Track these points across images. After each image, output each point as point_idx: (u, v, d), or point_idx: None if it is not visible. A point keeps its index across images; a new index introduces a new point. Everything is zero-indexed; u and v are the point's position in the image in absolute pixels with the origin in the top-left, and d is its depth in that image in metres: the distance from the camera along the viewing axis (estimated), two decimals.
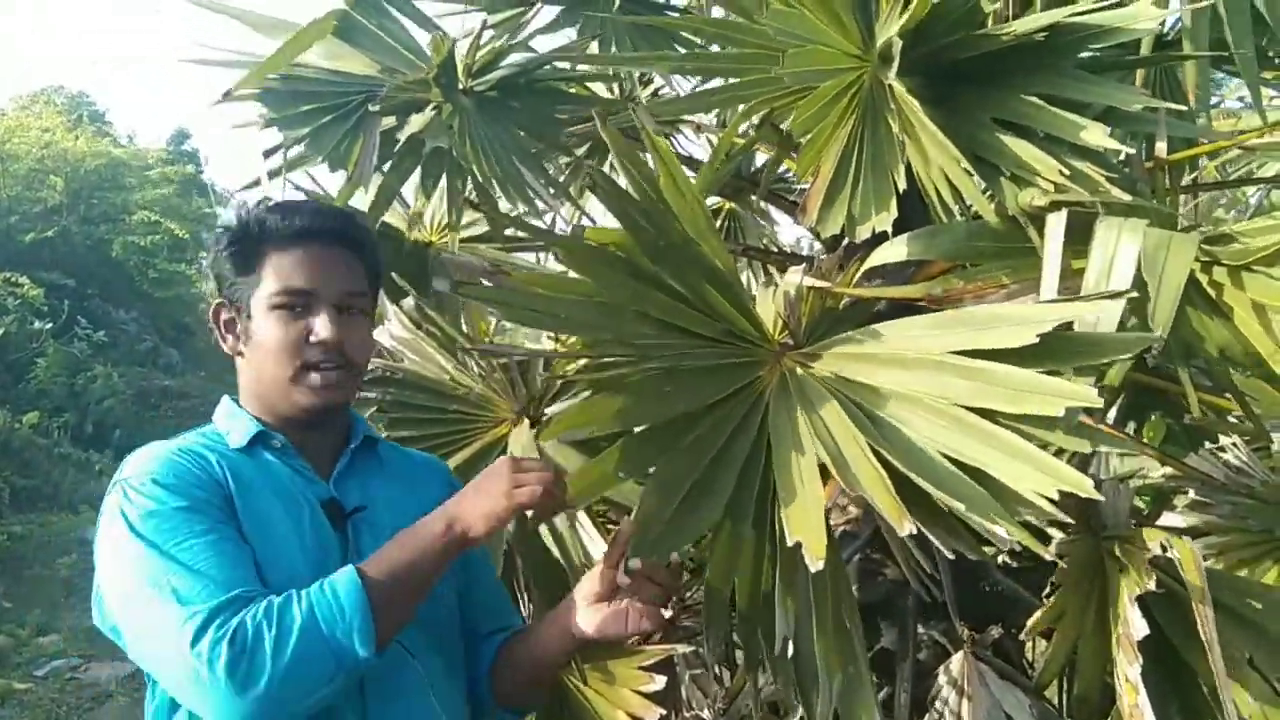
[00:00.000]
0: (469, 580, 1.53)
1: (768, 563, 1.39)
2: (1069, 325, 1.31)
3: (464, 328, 2.11)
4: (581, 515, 1.76)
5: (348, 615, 1.19)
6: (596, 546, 1.78)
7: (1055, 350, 1.28)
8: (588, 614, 1.41)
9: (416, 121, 2.10)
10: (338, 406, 1.40)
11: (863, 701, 1.39)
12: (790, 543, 1.23)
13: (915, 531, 1.17)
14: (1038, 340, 1.26)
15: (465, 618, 1.52)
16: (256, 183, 2.20)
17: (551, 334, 1.81)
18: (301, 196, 2.48)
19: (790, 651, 1.37)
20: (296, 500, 1.35)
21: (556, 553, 1.79)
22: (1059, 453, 1.27)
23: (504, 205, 2.27)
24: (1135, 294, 1.35)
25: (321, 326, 1.35)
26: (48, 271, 14.88)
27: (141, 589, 1.21)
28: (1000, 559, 1.94)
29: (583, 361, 1.58)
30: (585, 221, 2.57)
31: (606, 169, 2.55)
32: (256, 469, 1.35)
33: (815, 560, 1.19)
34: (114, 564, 1.26)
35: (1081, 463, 1.65)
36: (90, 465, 12.63)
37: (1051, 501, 1.19)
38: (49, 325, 14.07)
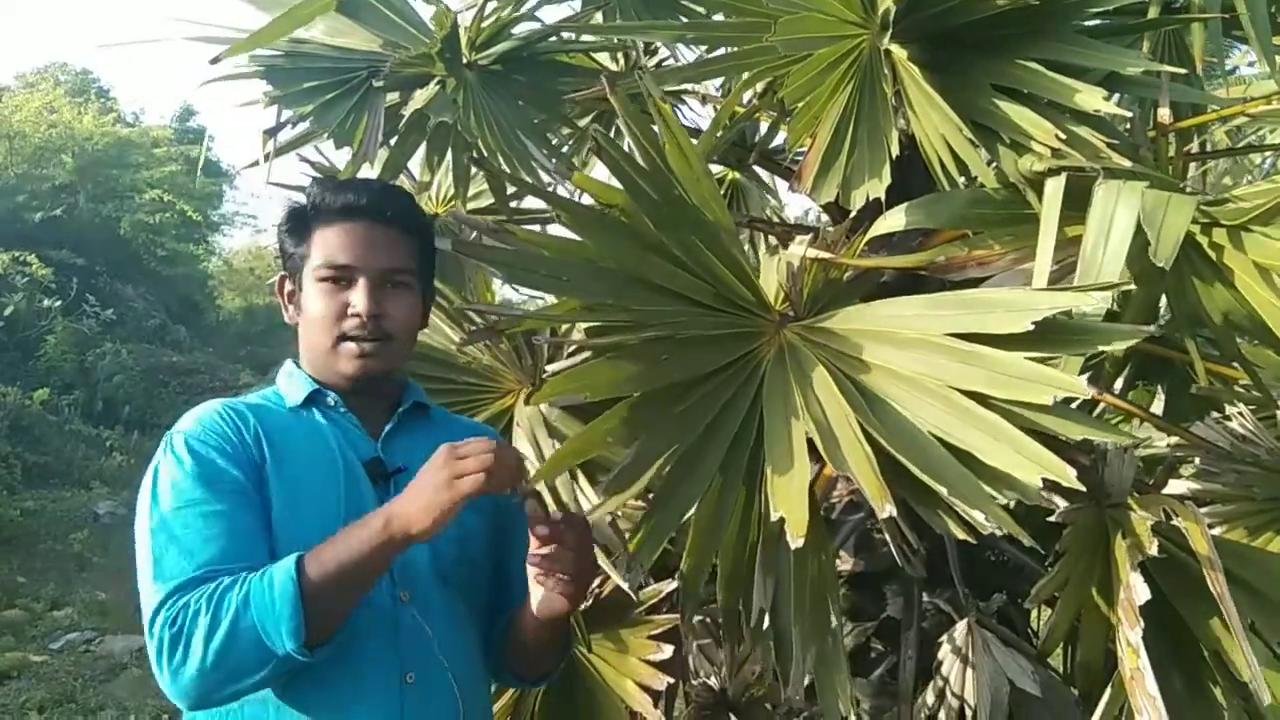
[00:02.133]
0: (505, 549, 1.53)
1: (751, 534, 1.40)
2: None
3: (468, 296, 2.11)
4: (582, 481, 1.77)
5: (278, 608, 1.20)
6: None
7: (1049, 336, 1.29)
8: (536, 592, 1.37)
9: (421, 96, 2.10)
10: (376, 375, 1.44)
11: (838, 675, 1.41)
12: (774, 517, 1.24)
13: (894, 514, 1.19)
14: (1032, 326, 1.27)
15: (498, 586, 1.53)
16: (257, 163, 2.20)
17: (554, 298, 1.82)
18: (309, 172, 2.49)
19: (767, 624, 1.39)
20: (335, 460, 1.40)
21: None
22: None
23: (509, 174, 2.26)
24: (1131, 286, 1.35)
25: (358, 300, 1.40)
26: (56, 249, 14.87)
27: (143, 554, 1.30)
28: (1001, 530, 1.95)
29: (584, 326, 1.58)
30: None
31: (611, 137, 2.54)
32: (303, 429, 1.42)
33: (796, 537, 1.20)
34: (137, 517, 1.34)
35: None
36: (100, 441, 12.68)
37: (1043, 483, 1.20)
38: (58, 303, 14.09)
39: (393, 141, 2.15)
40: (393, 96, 2.11)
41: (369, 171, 2.10)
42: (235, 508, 1.30)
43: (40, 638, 7.27)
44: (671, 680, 1.93)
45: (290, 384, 1.47)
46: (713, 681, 2.09)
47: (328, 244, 1.42)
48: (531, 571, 1.35)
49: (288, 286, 1.49)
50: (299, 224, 1.46)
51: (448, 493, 1.22)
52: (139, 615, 1.34)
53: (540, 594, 1.36)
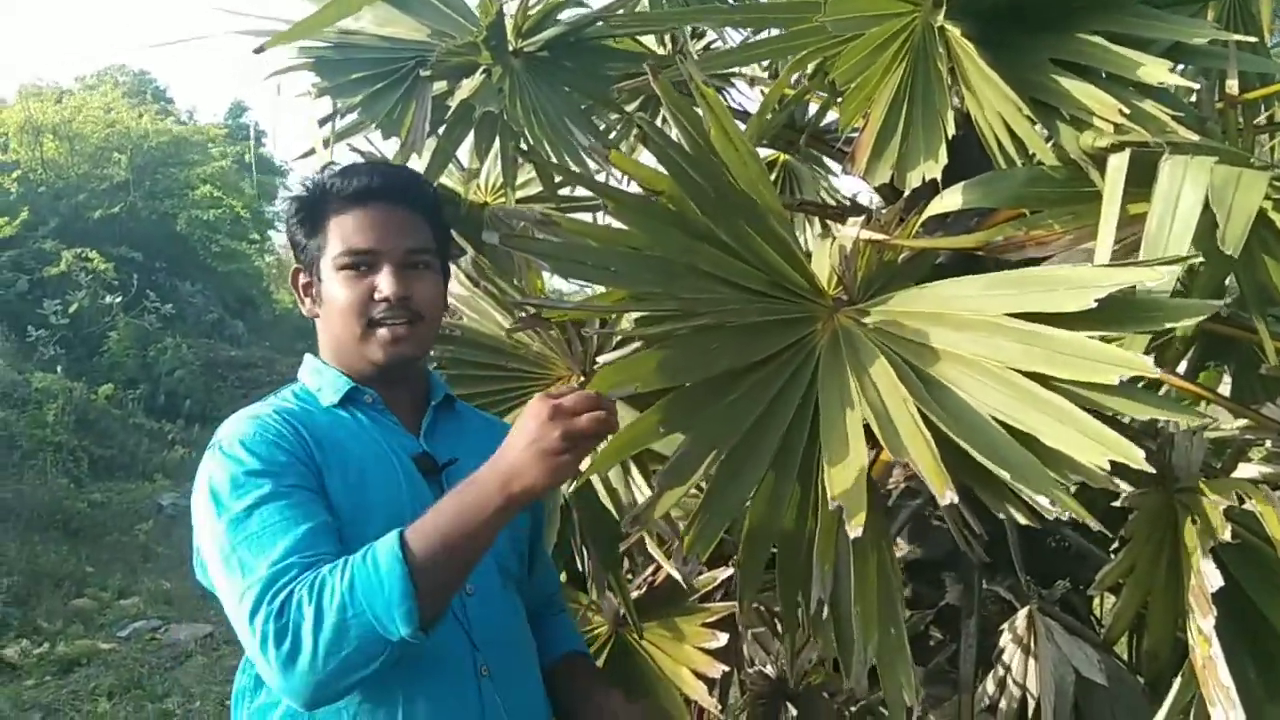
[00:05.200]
0: (533, 534, 1.56)
1: (809, 524, 1.37)
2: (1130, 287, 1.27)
3: (519, 284, 2.10)
4: (633, 468, 1.76)
5: (387, 591, 1.13)
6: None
7: (1114, 314, 1.25)
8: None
9: (467, 86, 2.09)
10: (410, 359, 1.41)
11: (901, 663, 1.38)
12: (831, 506, 1.21)
13: (955, 500, 1.16)
14: (1096, 304, 1.23)
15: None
16: (312, 151, 2.21)
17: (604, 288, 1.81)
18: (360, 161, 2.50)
19: (827, 613, 1.37)
20: (388, 455, 1.37)
21: (610, 506, 1.79)
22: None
23: (556, 164, 2.26)
24: (1199, 258, 1.30)
25: (385, 283, 1.37)
26: (116, 246, 15.20)
27: (217, 557, 1.24)
28: (1067, 514, 1.91)
29: (633, 316, 1.57)
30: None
31: (658, 123, 2.52)
32: (347, 425, 1.39)
33: (855, 526, 1.17)
34: (202, 530, 1.29)
35: None
36: (163, 434, 12.94)
37: (1110, 465, 1.16)
38: (119, 299, 14.40)
39: (440, 131, 2.15)
40: (440, 85, 2.11)
41: (417, 161, 2.11)
42: (307, 501, 1.26)
43: (108, 626, 7.45)
44: (727, 668, 1.92)
45: (321, 381, 1.43)
46: (769, 669, 2.07)
47: (346, 230, 1.39)
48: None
49: (302, 279, 1.46)
50: (312, 214, 1.43)
51: (569, 452, 1.14)
52: (203, 604, 1.33)
53: None
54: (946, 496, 1.15)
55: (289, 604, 1.15)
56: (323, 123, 2.14)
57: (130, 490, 10.91)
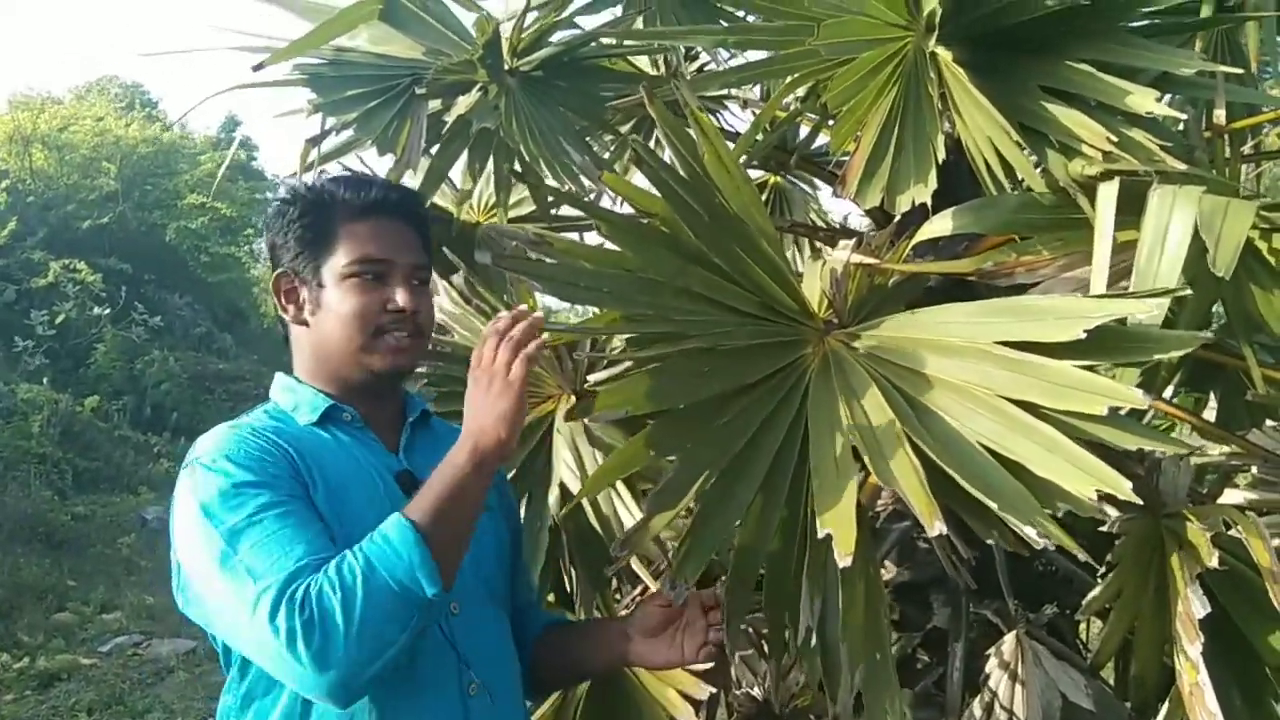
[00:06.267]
0: (513, 557, 1.58)
1: (797, 550, 1.38)
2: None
3: (510, 303, 2.11)
4: (623, 490, 1.76)
5: (405, 556, 1.18)
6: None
7: (1104, 344, 1.26)
8: (642, 646, 1.47)
9: (463, 103, 2.10)
10: (406, 371, 1.45)
11: (888, 692, 1.38)
12: (821, 535, 1.21)
13: (944, 531, 1.16)
14: (1085, 335, 1.24)
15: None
16: (310, 167, 2.21)
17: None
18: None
19: (815, 641, 1.37)
20: (369, 473, 1.37)
21: (598, 527, 1.79)
22: None
23: (550, 184, 2.26)
24: (1188, 291, 1.31)
25: (400, 296, 1.39)
26: (104, 257, 15.16)
27: (217, 570, 1.21)
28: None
29: (625, 337, 1.57)
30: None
31: (651, 145, 2.53)
32: (326, 444, 1.37)
33: (844, 556, 1.18)
34: (191, 548, 1.26)
35: None
36: (149, 447, 12.88)
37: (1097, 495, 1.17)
38: (107, 311, 14.34)
39: (435, 149, 2.15)
40: (435, 104, 2.12)
41: (411, 179, 2.11)
42: (297, 510, 1.25)
43: (90, 640, 7.40)
44: (714, 690, 1.91)
45: (297, 399, 1.41)
46: (756, 692, 2.06)
47: (358, 240, 1.39)
48: (644, 625, 1.46)
49: (285, 284, 1.43)
50: (315, 220, 1.41)
51: (509, 391, 1.25)
52: (186, 620, 1.30)
53: (650, 644, 1.47)
54: (935, 528, 1.16)
55: (310, 596, 1.15)
56: (315, 141, 2.14)
57: (114, 503, 10.85)
